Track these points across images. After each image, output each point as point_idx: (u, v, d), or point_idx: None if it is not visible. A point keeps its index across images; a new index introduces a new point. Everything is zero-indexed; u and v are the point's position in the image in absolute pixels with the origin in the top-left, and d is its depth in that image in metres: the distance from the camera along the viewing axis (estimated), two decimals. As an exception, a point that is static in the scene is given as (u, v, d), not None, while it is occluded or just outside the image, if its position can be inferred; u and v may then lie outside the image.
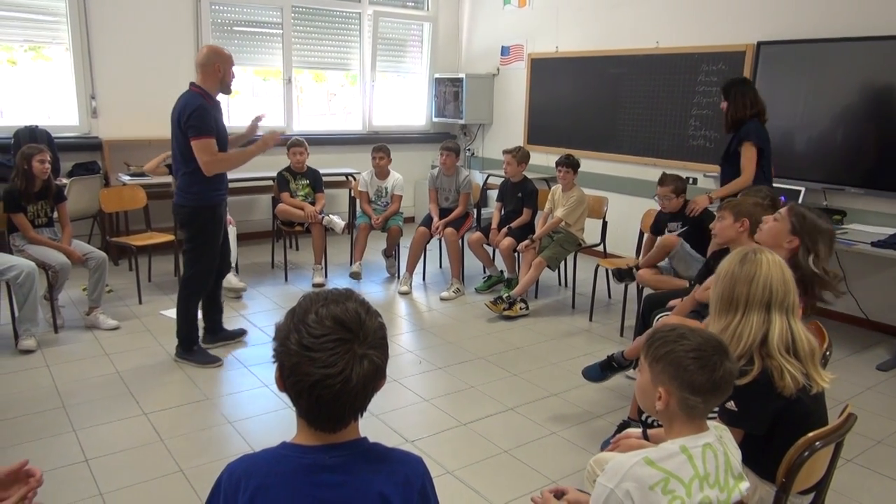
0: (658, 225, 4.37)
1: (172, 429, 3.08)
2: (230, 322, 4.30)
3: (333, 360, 1.10)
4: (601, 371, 3.26)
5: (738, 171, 4.02)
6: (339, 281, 5.52)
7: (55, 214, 4.36)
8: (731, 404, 1.80)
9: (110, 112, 5.88)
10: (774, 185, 4.75)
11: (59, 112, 5.82)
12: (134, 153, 5.85)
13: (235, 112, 6.57)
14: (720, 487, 1.43)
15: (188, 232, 3.71)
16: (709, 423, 1.52)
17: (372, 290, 5.38)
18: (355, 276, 5.41)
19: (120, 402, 3.32)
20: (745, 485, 1.49)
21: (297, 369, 1.11)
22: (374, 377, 1.15)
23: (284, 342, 1.14)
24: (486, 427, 3.20)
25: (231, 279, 4.86)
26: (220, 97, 3.70)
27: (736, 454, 1.51)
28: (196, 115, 3.43)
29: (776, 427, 1.79)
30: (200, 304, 3.87)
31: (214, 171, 3.53)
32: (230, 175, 3.88)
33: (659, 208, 4.34)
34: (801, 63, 4.78)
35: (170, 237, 5.12)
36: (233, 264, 4.64)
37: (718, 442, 1.48)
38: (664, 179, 4.20)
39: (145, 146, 5.84)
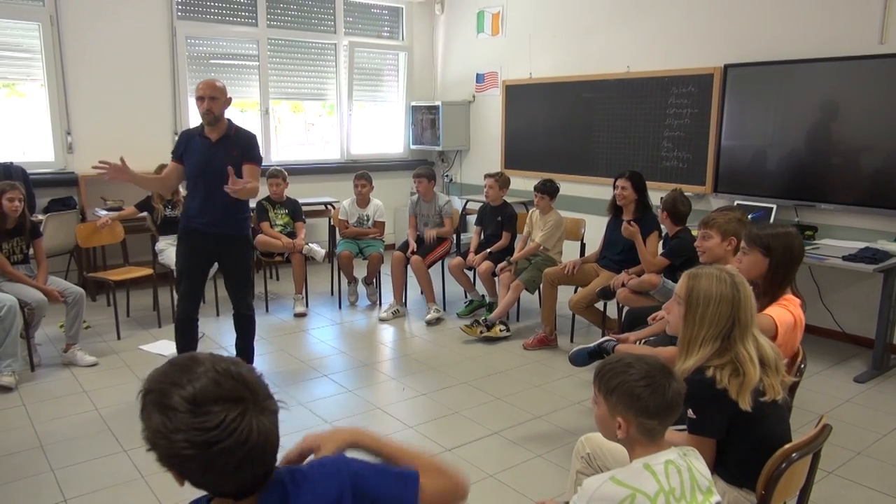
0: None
1: (154, 465, 2.96)
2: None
3: (245, 436, 0.99)
4: (589, 359, 3.24)
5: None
6: (321, 310, 5.50)
7: (31, 251, 4.32)
8: (691, 413, 1.85)
9: (86, 147, 5.85)
10: (746, 202, 4.88)
11: (35, 148, 5.78)
12: (111, 188, 5.79)
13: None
14: (687, 501, 1.48)
15: None
16: (676, 447, 1.57)
17: (353, 318, 5.37)
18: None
19: (99, 440, 3.27)
20: (714, 498, 1.53)
21: (212, 467, 1.00)
22: (276, 421, 1.06)
23: (170, 449, 1.01)
24: (470, 452, 3.19)
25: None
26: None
27: (702, 469, 1.55)
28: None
29: (731, 432, 1.83)
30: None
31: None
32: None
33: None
34: (767, 84, 4.91)
35: (148, 271, 5.08)
36: None
37: (681, 458, 1.53)
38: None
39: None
